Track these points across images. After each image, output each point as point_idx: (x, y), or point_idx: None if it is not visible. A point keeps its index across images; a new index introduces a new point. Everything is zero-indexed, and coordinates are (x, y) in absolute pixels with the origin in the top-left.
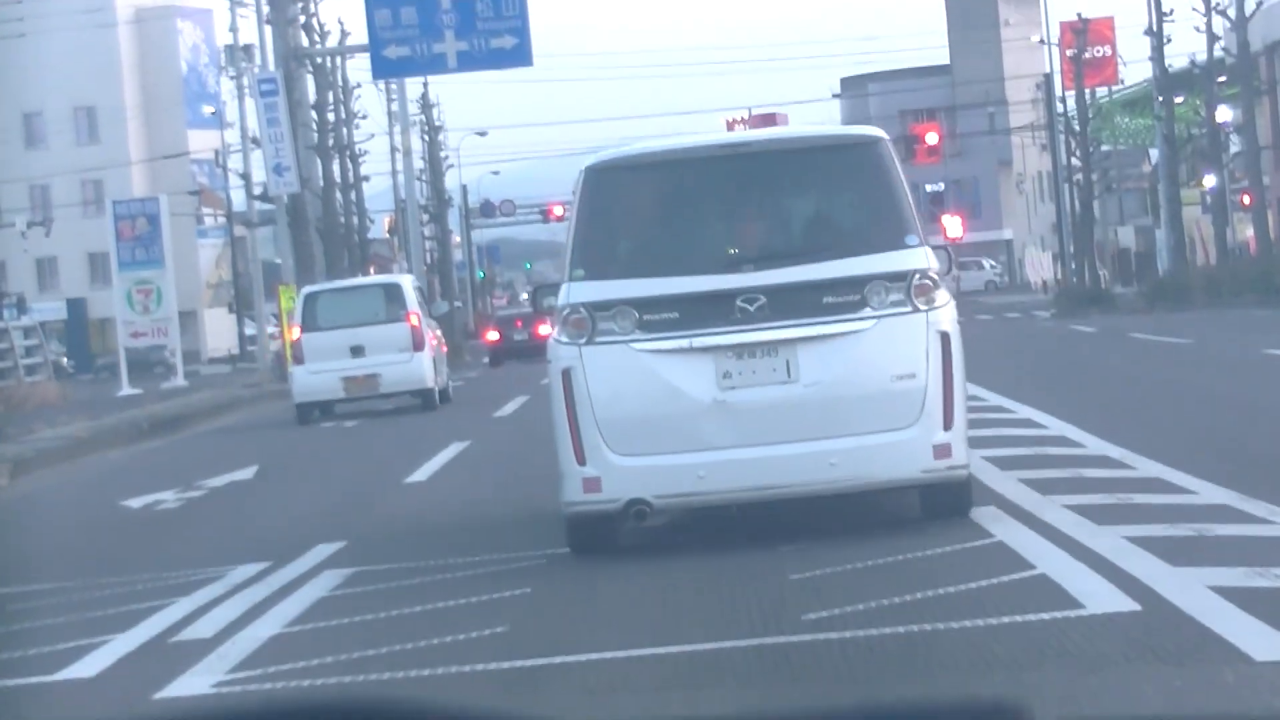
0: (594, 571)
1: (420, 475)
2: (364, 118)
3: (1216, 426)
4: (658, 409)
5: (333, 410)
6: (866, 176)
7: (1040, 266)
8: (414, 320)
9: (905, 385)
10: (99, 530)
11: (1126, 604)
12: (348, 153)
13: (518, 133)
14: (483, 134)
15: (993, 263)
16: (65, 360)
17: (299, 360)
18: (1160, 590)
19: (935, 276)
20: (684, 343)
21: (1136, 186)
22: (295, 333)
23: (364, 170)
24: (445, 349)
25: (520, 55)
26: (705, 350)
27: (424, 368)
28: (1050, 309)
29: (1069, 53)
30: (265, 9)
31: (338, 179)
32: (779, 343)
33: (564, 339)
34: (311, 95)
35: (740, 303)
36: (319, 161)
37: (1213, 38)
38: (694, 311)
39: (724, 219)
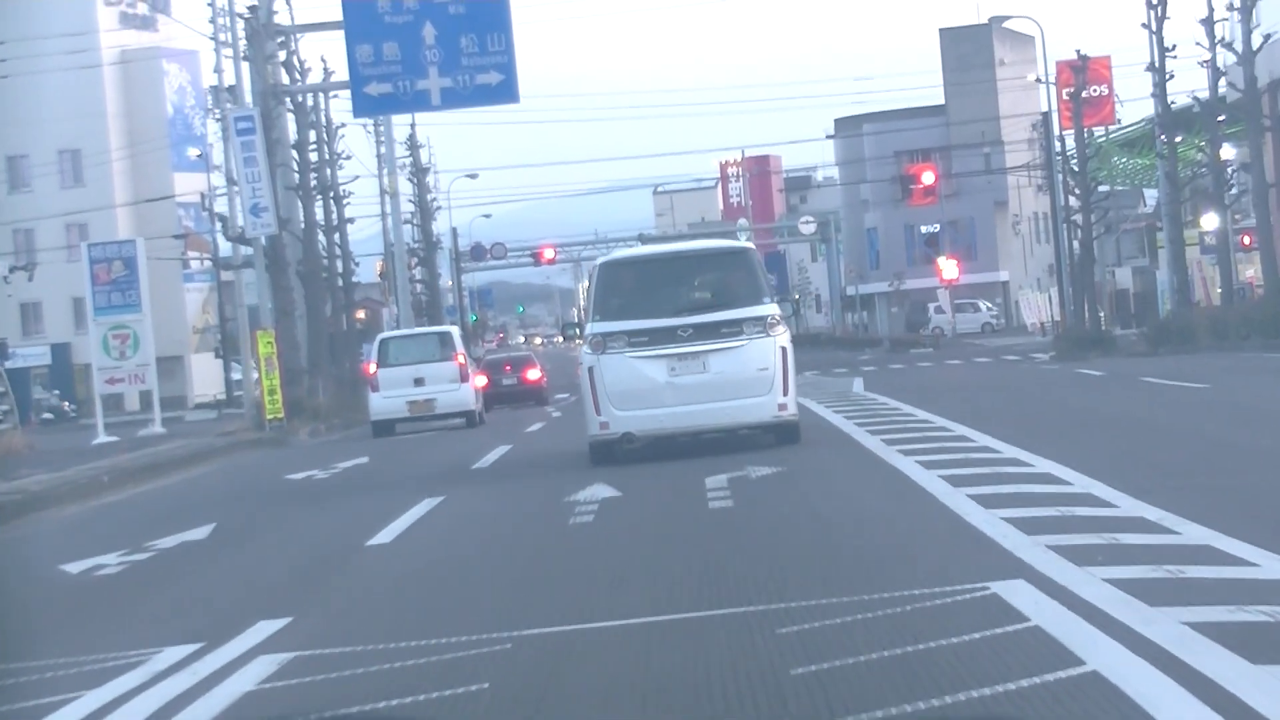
0: (562, 657)
1: (384, 537)
2: (348, 158)
3: (1261, 486)
4: (637, 386)
5: (319, 472)
6: (743, 268)
7: (1037, 308)
8: (461, 359)
9: (762, 374)
10: (26, 601)
11: (1204, 714)
12: (331, 194)
13: (510, 175)
14: (474, 176)
15: (989, 305)
16: (67, 405)
17: (375, 389)
18: (1244, 696)
19: (778, 317)
20: (651, 353)
21: (1134, 227)
22: (372, 368)
23: (352, 213)
24: (488, 383)
25: (506, 92)
26: (662, 356)
27: (469, 395)
28: (1049, 351)
29: (1066, 92)
30: (242, 45)
31: (321, 220)
32: (700, 352)
33: (589, 351)
34: (293, 134)
35: (679, 332)
36: (299, 202)
37: (1217, 73)
38: (656, 337)
39: (671, 288)
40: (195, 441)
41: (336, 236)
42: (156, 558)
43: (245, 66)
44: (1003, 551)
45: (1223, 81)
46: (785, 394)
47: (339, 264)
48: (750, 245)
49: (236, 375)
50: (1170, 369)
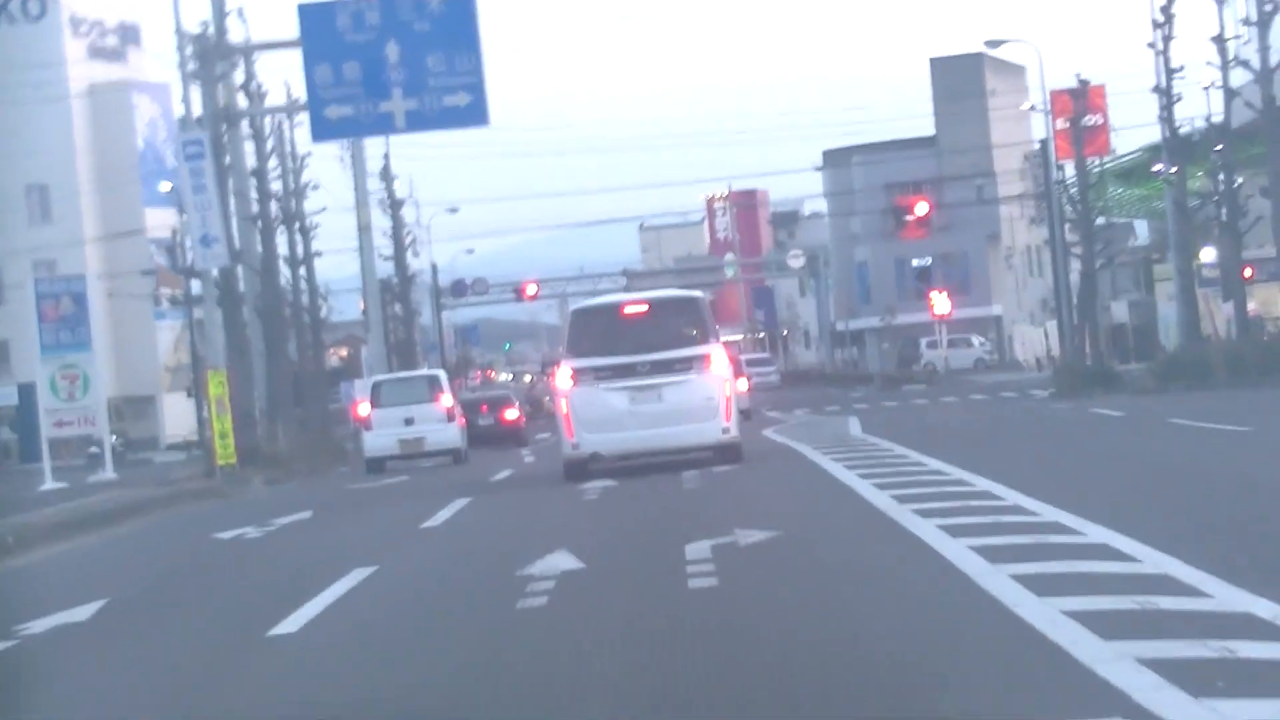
0: None
1: (291, 625)
2: (315, 188)
3: None
4: (604, 413)
5: (252, 529)
6: (693, 314)
7: (1032, 344)
8: (447, 401)
9: (709, 403)
10: None
11: None
12: (298, 225)
13: (493, 210)
14: (454, 211)
15: (982, 340)
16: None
17: (368, 428)
18: None
19: (723, 356)
20: (615, 385)
21: (1129, 261)
22: (365, 408)
23: (325, 247)
24: (465, 423)
25: (475, 114)
26: (624, 389)
27: (456, 434)
28: (1049, 388)
29: (1060, 123)
30: (190, 64)
31: (286, 253)
32: (656, 385)
33: (565, 384)
34: (254, 163)
35: (639, 368)
36: (258, 234)
37: (1230, 93)
38: (619, 371)
39: (633, 331)
40: (132, 493)
41: (304, 270)
42: (20, 646)
43: (195, 90)
44: (1078, 668)
45: (1238, 102)
46: (729, 419)
47: (306, 299)
48: (700, 294)
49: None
50: (1195, 409)
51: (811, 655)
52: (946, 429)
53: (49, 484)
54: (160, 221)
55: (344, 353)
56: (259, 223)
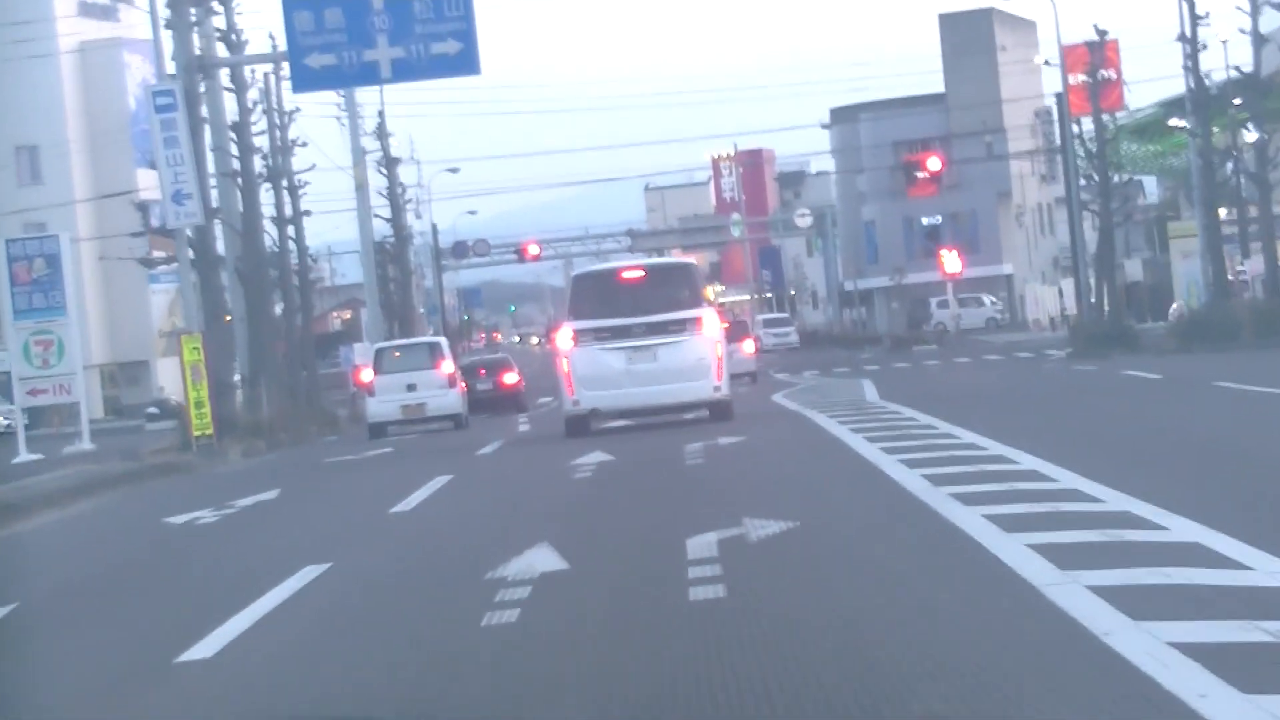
0: None
1: (207, 647)
2: (303, 144)
3: None
4: (602, 373)
5: (208, 514)
6: (686, 280)
7: (1045, 303)
8: (449, 367)
9: (701, 363)
10: None
11: None
12: (285, 183)
13: (495, 169)
14: (455, 171)
15: (993, 299)
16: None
17: (371, 394)
18: None
19: (714, 319)
20: (613, 345)
21: (1141, 219)
22: (368, 375)
23: (326, 208)
24: (465, 389)
25: (465, 62)
26: (622, 349)
27: (457, 400)
28: (1065, 348)
29: (1080, 77)
30: (162, 12)
31: (273, 213)
32: (651, 345)
33: (565, 345)
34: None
35: (635, 330)
36: (239, 192)
37: (1259, 39)
38: (618, 333)
39: (629, 296)
40: (96, 469)
41: (290, 229)
42: None
43: (166, 37)
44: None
45: (1269, 48)
46: (720, 379)
47: (296, 261)
48: (692, 261)
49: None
50: (1234, 370)
51: (834, 684)
52: (968, 394)
53: (23, 456)
54: (153, 182)
55: (347, 315)
56: (239, 180)
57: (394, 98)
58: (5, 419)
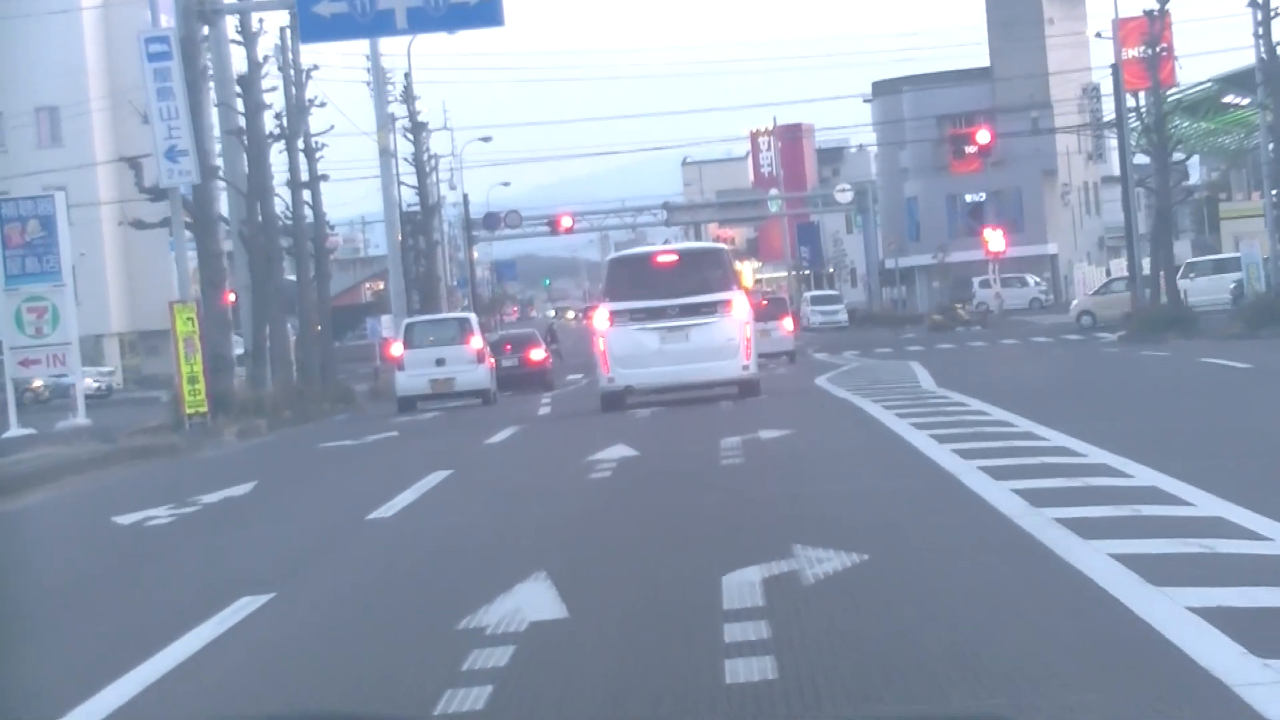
0: None
1: (101, 704)
2: (321, 104)
3: None
4: (637, 352)
5: (161, 512)
6: (717, 264)
7: (1092, 284)
8: (478, 343)
9: (731, 343)
10: None
11: None
12: (301, 145)
13: (530, 138)
14: (487, 139)
15: (1037, 279)
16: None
17: (400, 368)
18: None
19: (744, 301)
20: (647, 326)
21: (1189, 199)
22: (398, 349)
23: (353, 175)
24: (494, 364)
25: (488, 13)
26: (656, 329)
27: (485, 375)
28: (1117, 331)
29: (1132, 51)
30: None
31: (288, 176)
32: (684, 326)
33: (602, 325)
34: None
35: (668, 311)
36: (244, 152)
37: None
38: (652, 314)
39: (663, 278)
40: (61, 452)
41: (306, 194)
42: None
43: None
44: None
45: None
46: (748, 358)
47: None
48: (723, 246)
49: (238, 350)
50: None
51: None
52: (1037, 382)
53: (13, 430)
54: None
55: (379, 286)
56: (245, 138)
57: (424, 62)
58: (96, 380)
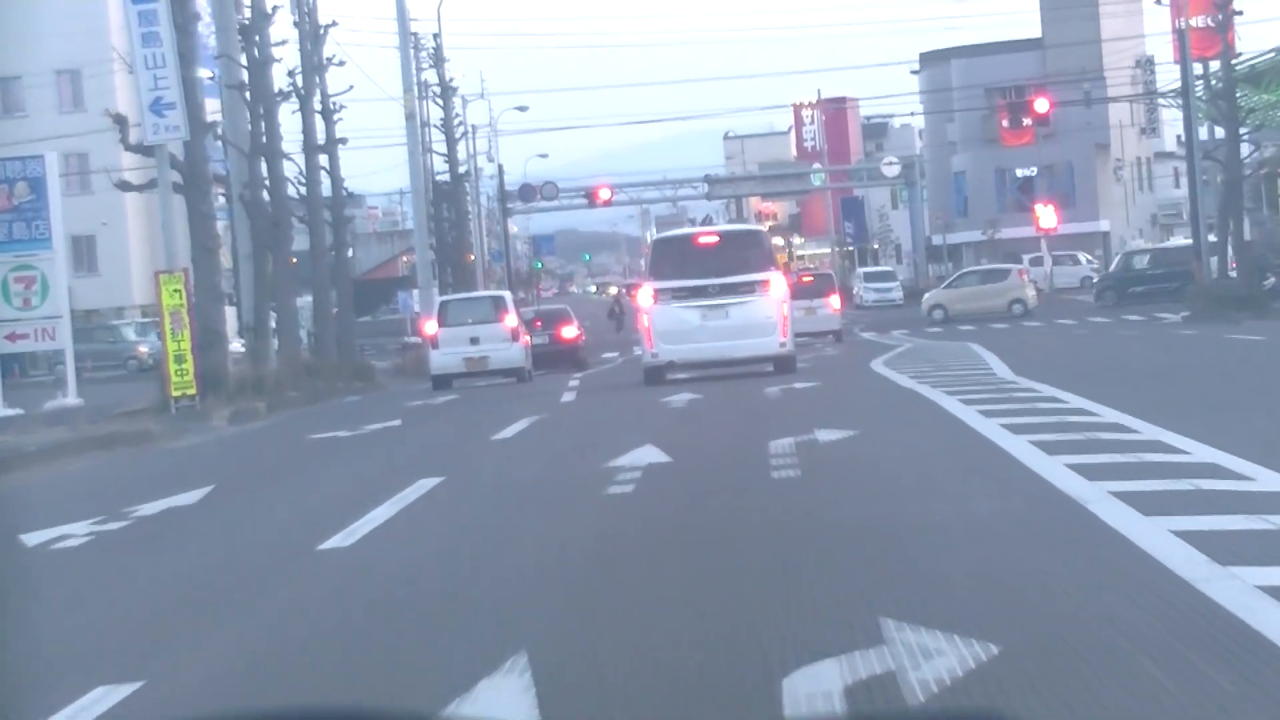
0: None
1: None
2: (340, 63)
3: None
4: (679, 328)
5: (73, 532)
6: (756, 245)
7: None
8: (512, 321)
9: (768, 321)
10: None
11: None
12: (319, 105)
13: (567, 107)
14: (523, 109)
15: (1089, 257)
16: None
17: (435, 346)
18: None
19: (781, 281)
20: (689, 304)
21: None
22: (432, 327)
23: (383, 141)
24: (529, 342)
25: None
26: (697, 307)
27: (519, 353)
28: (1180, 311)
29: (1192, 21)
30: None
31: (301, 138)
32: (724, 305)
33: (646, 302)
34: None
35: (710, 290)
36: (246, 109)
37: None
38: (694, 293)
39: (705, 258)
40: (8, 441)
41: (322, 159)
42: None
43: None
44: None
45: None
46: (785, 335)
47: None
48: (762, 228)
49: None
50: None
51: None
52: (1129, 369)
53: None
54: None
55: (414, 259)
56: (247, 94)
57: (460, 28)
58: (148, 348)
